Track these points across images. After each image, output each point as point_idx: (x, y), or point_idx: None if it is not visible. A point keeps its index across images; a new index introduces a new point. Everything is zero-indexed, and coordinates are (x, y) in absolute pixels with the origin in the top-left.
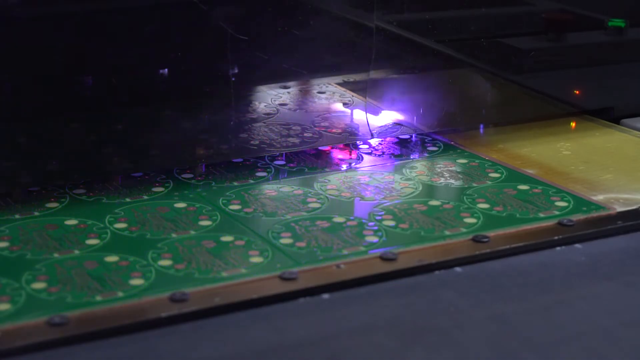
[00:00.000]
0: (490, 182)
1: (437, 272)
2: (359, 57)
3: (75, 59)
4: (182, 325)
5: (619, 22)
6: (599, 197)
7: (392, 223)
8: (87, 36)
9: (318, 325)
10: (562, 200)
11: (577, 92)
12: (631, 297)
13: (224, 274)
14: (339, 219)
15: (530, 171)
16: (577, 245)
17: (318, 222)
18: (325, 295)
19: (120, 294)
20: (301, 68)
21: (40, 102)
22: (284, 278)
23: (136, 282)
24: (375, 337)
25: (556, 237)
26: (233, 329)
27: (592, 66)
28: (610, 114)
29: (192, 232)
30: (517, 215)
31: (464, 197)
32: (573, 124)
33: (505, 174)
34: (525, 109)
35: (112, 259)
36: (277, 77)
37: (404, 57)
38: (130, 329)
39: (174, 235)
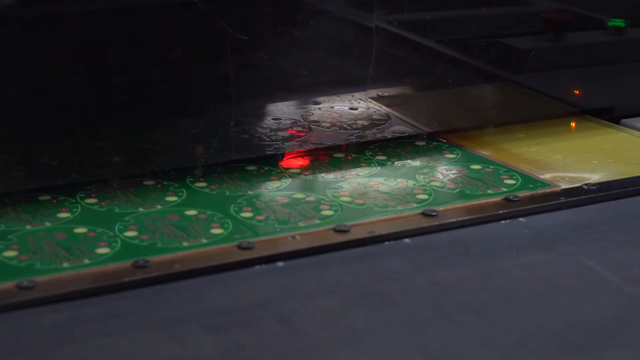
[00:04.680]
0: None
1: (386, 243)
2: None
3: (74, 59)
4: (143, 289)
5: (619, 22)
6: (546, 176)
7: (348, 199)
8: (86, 36)
9: (271, 289)
10: (511, 178)
11: (577, 92)
12: (565, 264)
13: (185, 244)
14: (298, 195)
15: (485, 152)
16: (521, 219)
17: (278, 198)
18: (280, 263)
19: (87, 261)
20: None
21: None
22: (241, 247)
23: (102, 250)
24: (322, 300)
25: (501, 212)
26: (190, 292)
27: (592, 66)
28: (611, 114)
29: (159, 207)
30: (467, 192)
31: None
32: (573, 124)
33: (460, 154)
34: (525, 109)
35: (81, 230)
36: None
37: (403, 57)
38: (94, 293)
39: (141, 209)
